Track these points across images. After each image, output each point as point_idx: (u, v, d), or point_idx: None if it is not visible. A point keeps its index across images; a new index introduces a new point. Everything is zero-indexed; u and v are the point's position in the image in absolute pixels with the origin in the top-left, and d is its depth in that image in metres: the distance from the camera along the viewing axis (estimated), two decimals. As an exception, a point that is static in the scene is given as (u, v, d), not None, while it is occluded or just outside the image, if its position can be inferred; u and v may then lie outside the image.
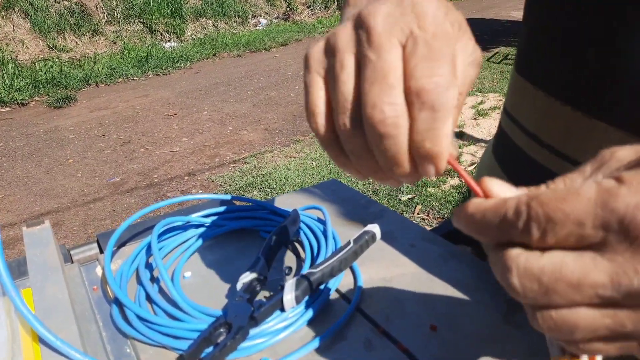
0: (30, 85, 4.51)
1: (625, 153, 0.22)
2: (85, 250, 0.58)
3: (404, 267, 0.52)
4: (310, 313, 0.44)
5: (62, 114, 4.15)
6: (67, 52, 5.57)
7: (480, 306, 0.46)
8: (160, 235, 0.56)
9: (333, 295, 0.48)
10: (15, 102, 4.34)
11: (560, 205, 0.20)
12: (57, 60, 5.19)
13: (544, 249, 0.22)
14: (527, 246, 0.22)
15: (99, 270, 0.54)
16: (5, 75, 4.58)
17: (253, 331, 0.42)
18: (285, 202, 0.66)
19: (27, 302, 0.43)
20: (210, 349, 0.39)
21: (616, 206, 0.19)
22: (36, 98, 4.48)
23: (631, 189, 0.19)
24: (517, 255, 0.22)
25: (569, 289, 0.21)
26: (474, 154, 2.90)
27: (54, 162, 3.28)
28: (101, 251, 0.58)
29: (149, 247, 0.54)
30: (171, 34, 6.19)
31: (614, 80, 0.38)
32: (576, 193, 0.20)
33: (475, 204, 0.24)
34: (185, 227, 0.59)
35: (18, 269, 0.53)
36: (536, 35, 0.46)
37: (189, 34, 6.30)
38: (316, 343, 0.41)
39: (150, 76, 5.15)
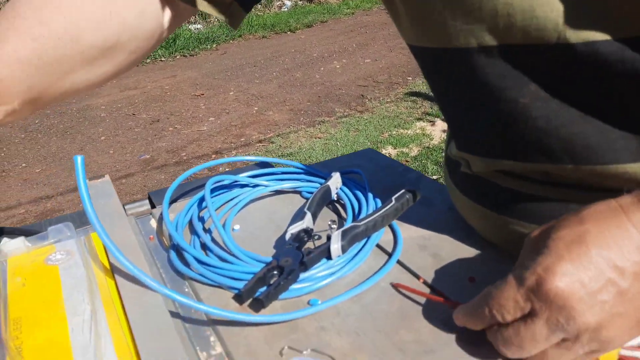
0: (63, 65, 4.63)
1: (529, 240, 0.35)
2: (137, 206, 0.62)
3: (442, 227, 0.54)
4: (354, 263, 0.47)
5: (93, 94, 4.25)
6: (97, 33, 5.68)
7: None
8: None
9: (374, 250, 0.51)
10: (49, 81, 4.46)
11: (501, 294, 0.33)
12: (87, 40, 5.30)
13: (509, 323, 0.33)
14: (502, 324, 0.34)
15: (153, 223, 0.58)
16: (38, 54, 4.71)
17: (302, 275, 0.45)
18: (324, 167, 0.68)
19: (97, 246, 0.47)
20: (264, 288, 0.43)
21: (528, 284, 0.32)
22: (68, 77, 4.59)
23: (533, 270, 0.32)
24: (495, 331, 0.35)
25: (530, 342, 0.32)
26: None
27: (87, 139, 3.39)
28: (152, 206, 0.62)
29: (199, 202, 0.57)
30: (197, 16, 6.23)
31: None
32: (506, 283, 0.33)
33: (462, 309, 0.37)
34: (230, 187, 0.62)
35: (79, 220, 0.57)
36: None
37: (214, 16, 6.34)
38: (360, 289, 0.44)
39: (178, 57, 5.21)
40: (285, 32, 5.93)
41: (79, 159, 0.34)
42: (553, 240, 0.32)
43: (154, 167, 2.93)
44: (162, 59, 5.11)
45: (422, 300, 0.43)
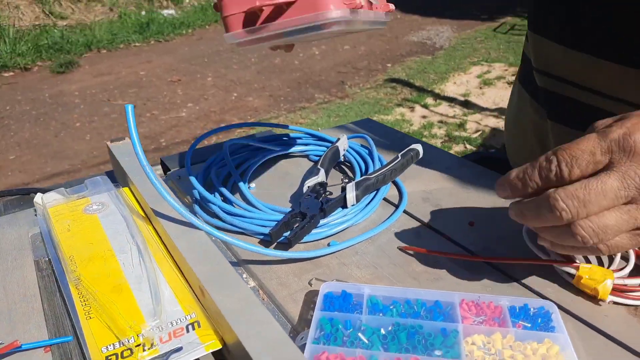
0: (33, 50, 4.49)
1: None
2: (151, 171, 0.66)
3: (442, 183, 0.60)
4: (366, 211, 0.52)
5: (65, 79, 4.15)
6: (64, 18, 5.51)
7: (509, 210, 0.54)
8: (221, 157, 0.63)
9: (382, 202, 0.56)
10: (19, 66, 4.33)
11: (576, 146, 0.32)
12: (54, 27, 5.15)
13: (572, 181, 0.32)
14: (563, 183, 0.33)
15: (170, 184, 0.61)
16: (7, 39, 4.55)
17: (321, 222, 0.49)
18: (327, 134, 0.73)
19: (129, 198, 0.50)
20: (289, 232, 0.47)
21: (612, 136, 0.31)
22: (39, 63, 4.46)
23: (619, 125, 0.32)
24: (556, 190, 0.33)
25: (598, 196, 0.31)
26: (479, 121, 2.96)
27: (62, 126, 3.32)
28: (165, 171, 0.66)
29: (216, 163, 0.61)
30: (168, 1, 6.12)
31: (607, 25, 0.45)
32: (585, 137, 0.32)
33: (516, 170, 0.35)
34: (241, 151, 0.66)
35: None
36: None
37: (187, 0, 6.24)
38: (374, 232, 0.49)
39: (152, 42, 5.12)
40: (262, 19, 5.89)
41: (129, 107, 0.37)
42: (630, 114, 0.33)
43: (134, 152, 2.91)
44: (136, 44, 5.02)
45: (430, 242, 0.49)
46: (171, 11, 5.95)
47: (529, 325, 0.35)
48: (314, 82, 3.84)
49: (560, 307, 0.39)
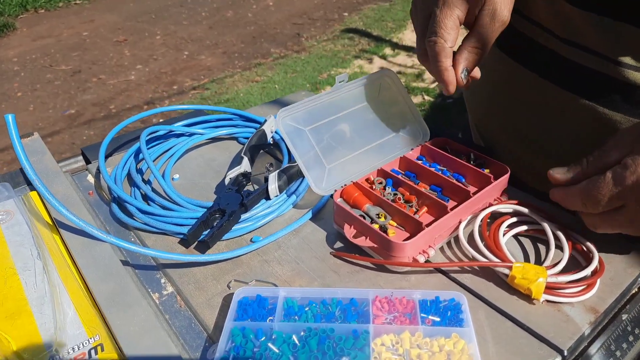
0: (-41, 12, 4.12)
1: (628, 134, 0.38)
2: (71, 162, 0.62)
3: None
4: (291, 200, 0.51)
5: (2, 44, 3.85)
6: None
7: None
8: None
9: (310, 189, 0.54)
10: (-55, 31, 3.97)
11: (598, 192, 0.37)
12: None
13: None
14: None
15: (90, 178, 0.58)
16: None
17: (244, 216, 0.48)
18: (259, 111, 0.70)
19: (36, 204, 0.47)
20: (208, 231, 0.45)
21: (625, 184, 0.35)
22: (-32, 26, 4.10)
23: (631, 169, 0.35)
24: (585, 215, 0.41)
25: (616, 227, 0.39)
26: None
27: (1, 96, 3.10)
28: (87, 162, 0.62)
29: (136, 154, 0.58)
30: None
31: None
32: (604, 183, 0.36)
33: (555, 192, 0.42)
34: (166, 137, 0.63)
35: (12, 180, 0.56)
36: None
37: (130, -51, 5.79)
38: (298, 223, 0.48)
39: (94, -1, 4.78)
40: (211, -32, 5.55)
41: (10, 117, 0.34)
42: None
43: (80, 122, 2.77)
44: (77, 1, 4.66)
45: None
46: (113, -38, 5.51)
47: (439, 319, 0.36)
48: (269, 35, 3.70)
49: (494, 307, 0.39)
